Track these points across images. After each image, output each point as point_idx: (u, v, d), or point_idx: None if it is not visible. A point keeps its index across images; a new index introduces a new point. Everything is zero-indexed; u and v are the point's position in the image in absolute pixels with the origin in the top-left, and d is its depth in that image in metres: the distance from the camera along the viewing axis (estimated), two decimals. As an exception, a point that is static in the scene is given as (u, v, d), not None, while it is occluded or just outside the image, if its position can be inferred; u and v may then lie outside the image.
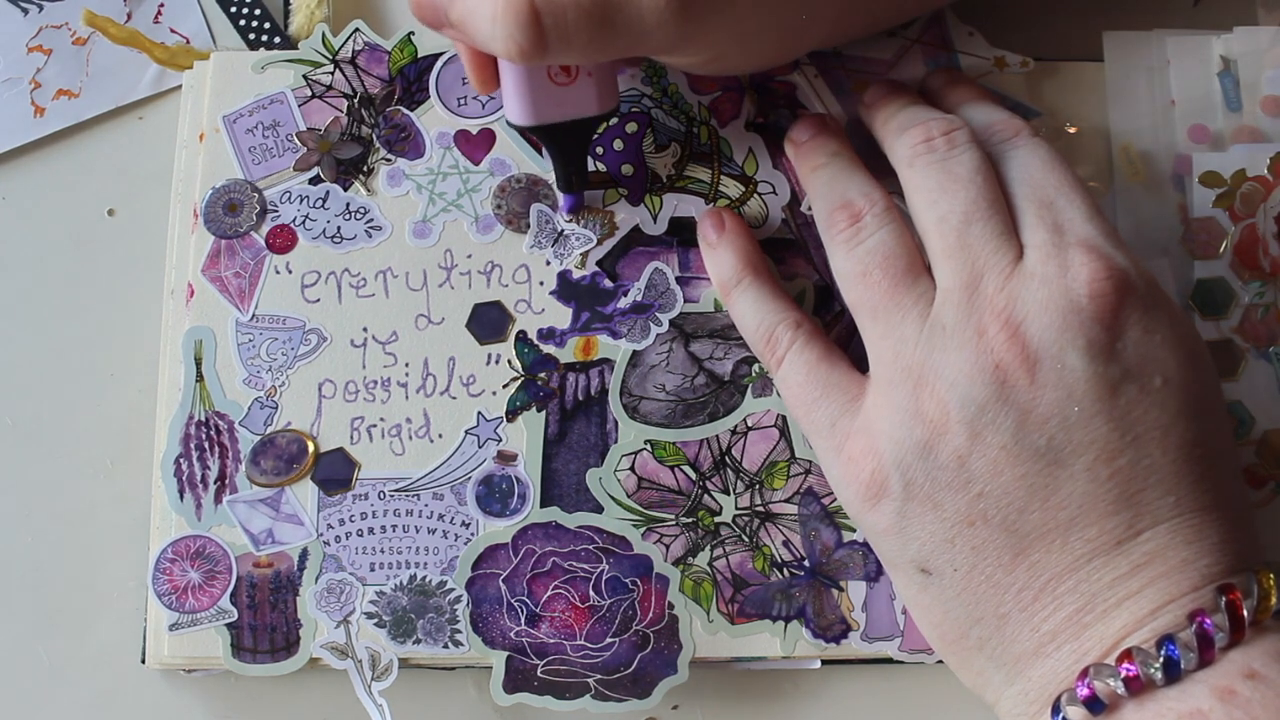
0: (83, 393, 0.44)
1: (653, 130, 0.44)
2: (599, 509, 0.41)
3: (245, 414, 0.42)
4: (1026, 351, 0.34)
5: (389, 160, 0.44)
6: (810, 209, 0.43)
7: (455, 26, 0.36)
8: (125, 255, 0.45)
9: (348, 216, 0.43)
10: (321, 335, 0.42)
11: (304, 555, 0.41)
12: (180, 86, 0.45)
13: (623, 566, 0.41)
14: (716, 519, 0.41)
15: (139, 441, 0.43)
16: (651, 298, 0.43)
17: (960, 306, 0.35)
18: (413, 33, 0.45)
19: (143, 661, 0.41)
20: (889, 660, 0.41)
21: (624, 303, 0.43)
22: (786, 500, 0.41)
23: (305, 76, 0.44)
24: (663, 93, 0.44)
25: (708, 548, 0.41)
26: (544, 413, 0.42)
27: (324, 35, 0.45)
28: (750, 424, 0.42)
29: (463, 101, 0.44)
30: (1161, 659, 0.32)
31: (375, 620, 0.40)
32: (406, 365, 0.42)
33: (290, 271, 0.43)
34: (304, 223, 0.43)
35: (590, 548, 0.41)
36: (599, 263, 0.43)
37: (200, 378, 0.42)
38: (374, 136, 0.44)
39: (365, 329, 0.42)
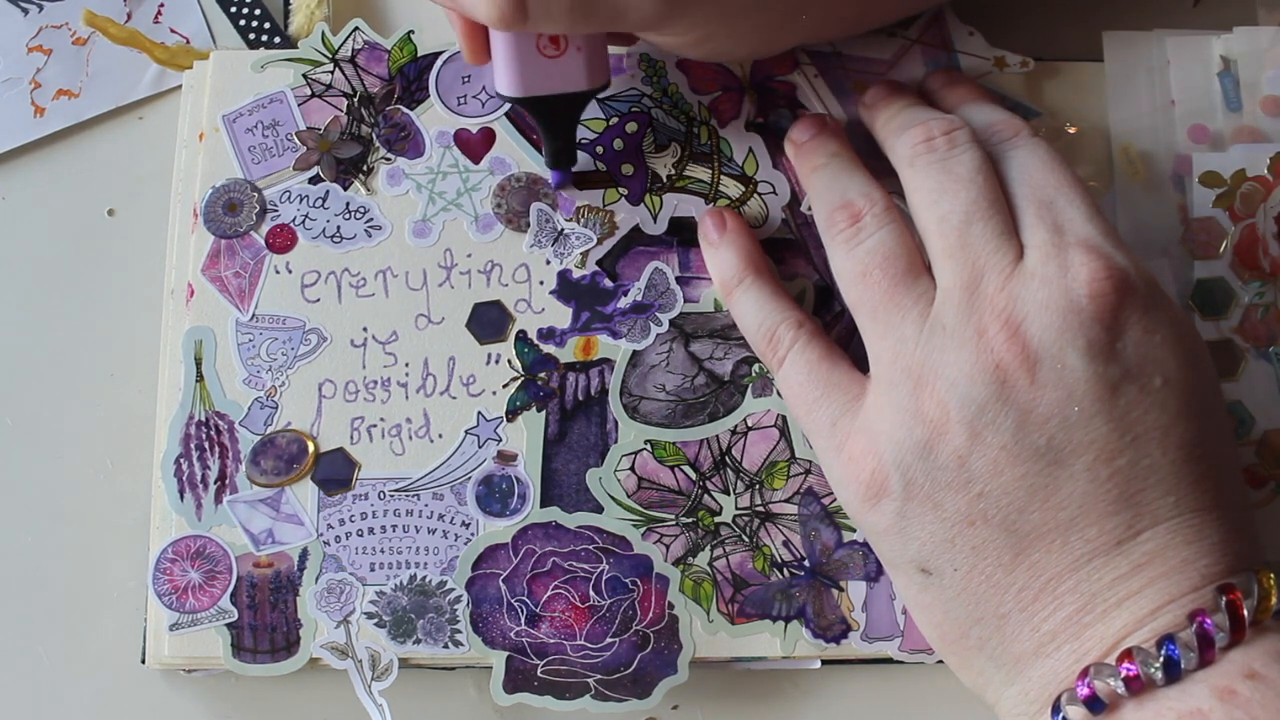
0: (83, 393, 0.44)
1: (653, 130, 0.44)
2: (599, 509, 0.41)
3: (245, 414, 0.42)
4: (1026, 351, 0.34)
5: (389, 159, 0.44)
6: (810, 209, 0.43)
7: None
8: (125, 255, 0.45)
9: (347, 216, 0.43)
10: (321, 335, 0.42)
11: (304, 555, 0.41)
12: (180, 86, 0.45)
13: (623, 566, 0.41)
14: (716, 519, 0.41)
15: (139, 442, 0.43)
16: (651, 297, 0.43)
17: (960, 306, 0.35)
18: (412, 31, 0.45)
19: (143, 661, 0.41)
20: (889, 660, 0.41)
21: (624, 302, 0.43)
22: (786, 500, 0.41)
23: (305, 76, 0.44)
24: (663, 93, 0.44)
25: (708, 548, 0.41)
26: (544, 413, 0.42)
27: (324, 34, 0.45)
28: (750, 424, 0.42)
29: (462, 100, 0.44)
30: (1162, 659, 0.32)
31: (375, 620, 0.40)
32: (406, 365, 0.42)
33: (290, 271, 0.43)
34: (304, 222, 0.43)
35: (590, 548, 0.41)
36: (599, 262, 0.43)
37: (200, 378, 0.42)
38: (374, 135, 0.44)
39: (365, 329, 0.42)
